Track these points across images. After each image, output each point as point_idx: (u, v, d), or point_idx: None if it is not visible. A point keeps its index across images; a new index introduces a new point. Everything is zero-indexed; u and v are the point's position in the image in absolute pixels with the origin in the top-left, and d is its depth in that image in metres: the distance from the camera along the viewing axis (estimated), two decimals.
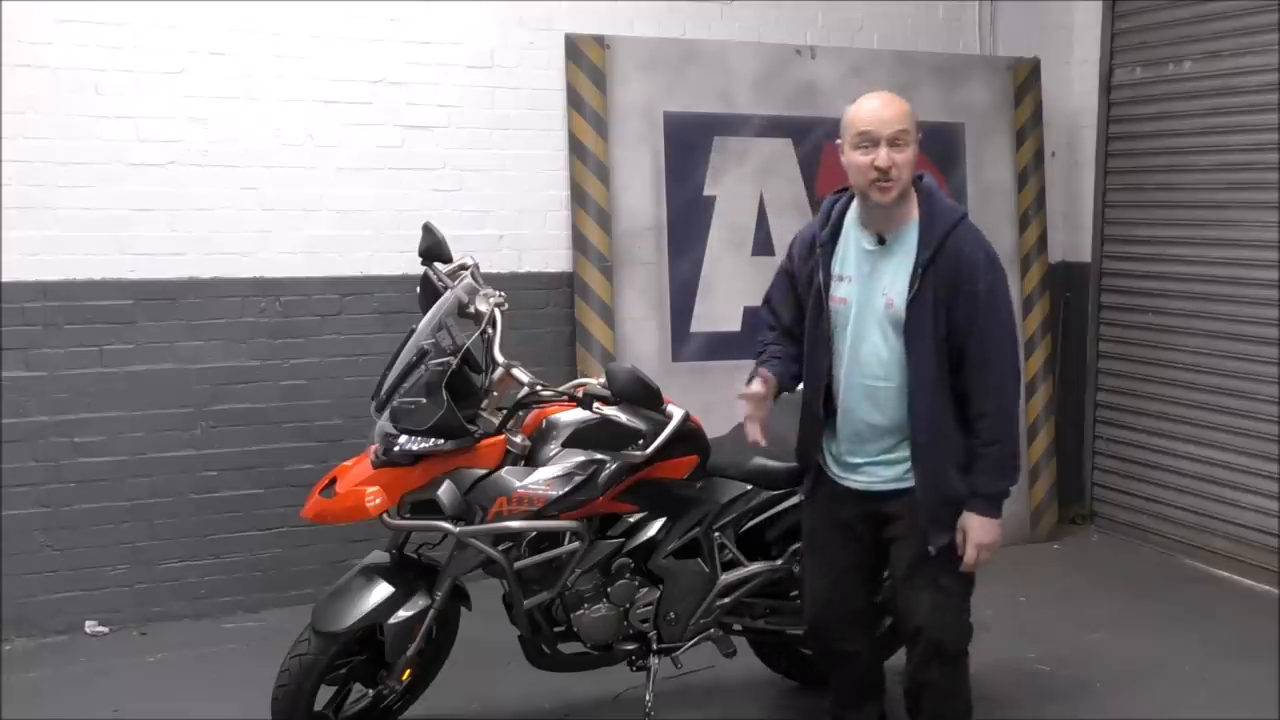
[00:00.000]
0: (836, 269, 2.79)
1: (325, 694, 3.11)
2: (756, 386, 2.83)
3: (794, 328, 2.96)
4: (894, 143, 2.60)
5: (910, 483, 2.79)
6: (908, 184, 2.66)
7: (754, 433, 2.87)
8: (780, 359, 2.94)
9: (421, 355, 2.99)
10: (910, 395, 2.71)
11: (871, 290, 2.72)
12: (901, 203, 2.67)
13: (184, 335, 4.25)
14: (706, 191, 4.82)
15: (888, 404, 2.75)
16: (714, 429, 3.32)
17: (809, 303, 2.85)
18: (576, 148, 4.67)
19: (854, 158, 2.65)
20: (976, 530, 2.73)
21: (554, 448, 3.06)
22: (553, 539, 3.10)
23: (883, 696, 3.20)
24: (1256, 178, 4.70)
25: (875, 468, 2.84)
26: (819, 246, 2.81)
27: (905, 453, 2.79)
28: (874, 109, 2.64)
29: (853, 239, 2.78)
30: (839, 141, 2.73)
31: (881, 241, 2.72)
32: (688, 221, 4.80)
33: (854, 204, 2.81)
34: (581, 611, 3.15)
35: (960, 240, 2.65)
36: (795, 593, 3.34)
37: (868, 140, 2.61)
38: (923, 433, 2.73)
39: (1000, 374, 2.70)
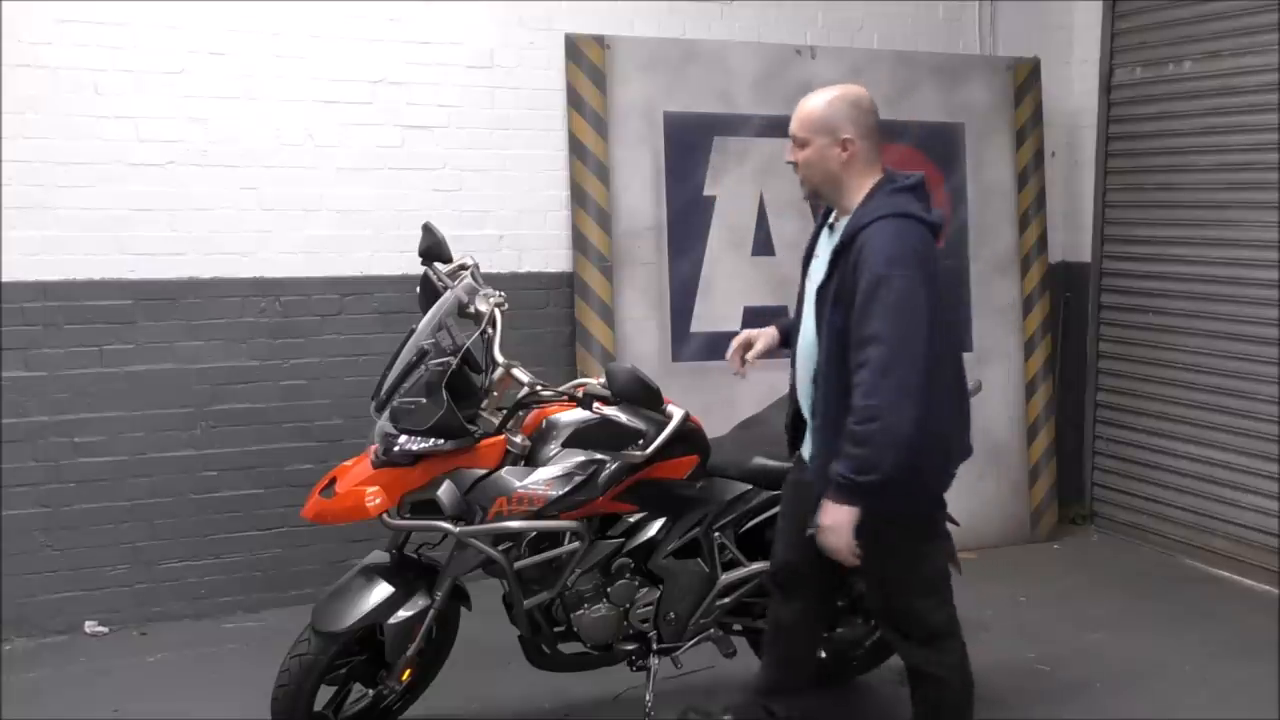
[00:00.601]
0: (816, 249, 2.89)
1: (325, 694, 3.11)
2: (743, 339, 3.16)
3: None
4: (794, 141, 2.78)
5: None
6: (815, 185, 2.77)
7: (734, 360, 3.16)
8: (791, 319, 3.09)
9: (421, 355, 2.99)
10: (816, 374, 2.75)
11: (820, 267, 2.81)
12: (845, 193, 2.73)
13: (184, 335, 4.25)
14: (706, 191, 4.82)
15: (808, 378, 2.82)
16: (714, 429, 3.32)
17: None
18: (576, 148, 4.67)
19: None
20: (822, 512, 2.62)
21: (554, 448, 3.06)
22: (553, 539, 3.10)
23: (809, 695, 3.17)
24: (1256, 178, 4.70)
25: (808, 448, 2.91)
26: (819, 222, 2.95)
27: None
28: (798, 105, 2.82)
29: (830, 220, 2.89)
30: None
31: (831, 228, 2.84)
32: (688, 221, 4.80)
33: None
34: (581, 611, 3.16)
35: (870, 236, 2.59)
36: None
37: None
38: (817, 415, 2.77)
39: (875, 354, 2.52)
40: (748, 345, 3.16)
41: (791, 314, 3.06)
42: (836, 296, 2.63)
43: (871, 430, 2.50)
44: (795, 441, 3.00)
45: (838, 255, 2.64)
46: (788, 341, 3.05)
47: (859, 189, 2.71)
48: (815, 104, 2.76)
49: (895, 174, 2.75)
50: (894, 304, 2.50)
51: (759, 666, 3.22)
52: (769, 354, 3.17)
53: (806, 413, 2.85)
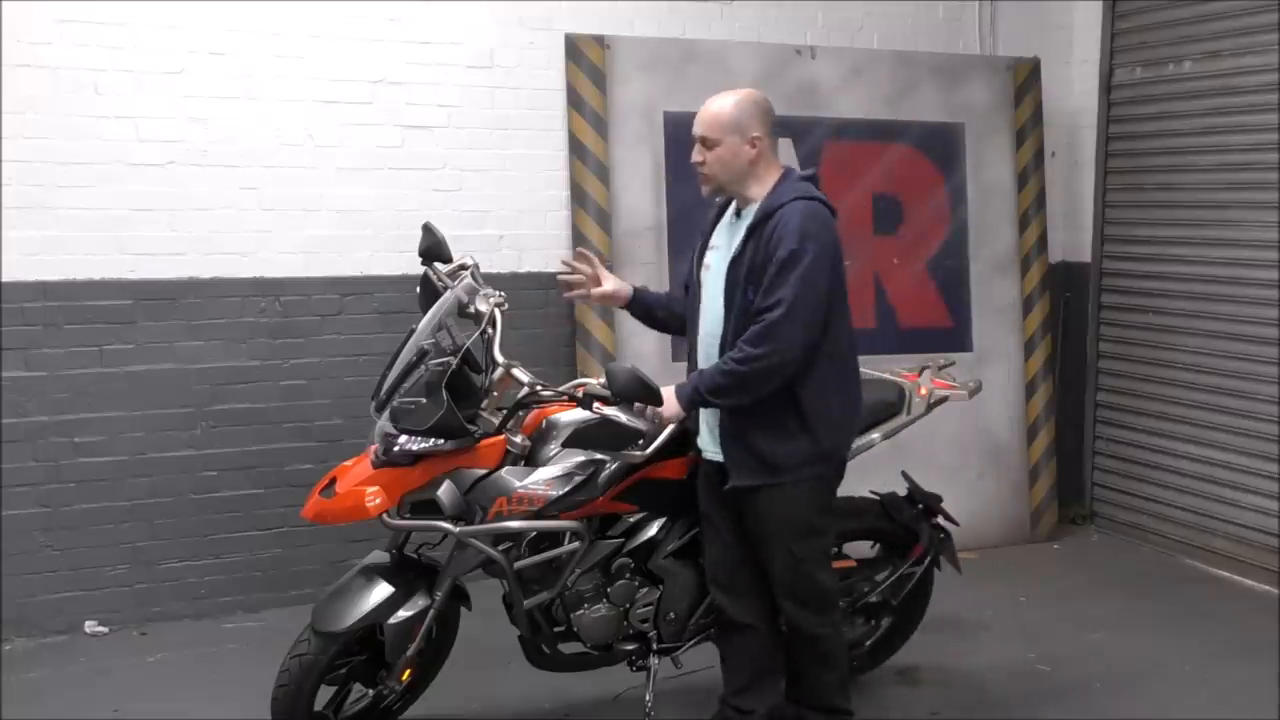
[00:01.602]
0: (711, 240, 3.09)
1: (325, 694, 3.11)
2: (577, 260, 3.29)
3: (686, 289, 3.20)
4: (703, 143, 2.94)
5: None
6: (722, 181, 2.95)
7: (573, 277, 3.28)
8: (655, 293, 3.34)
9: (421, 355, 2.99)
10: (724, 349, 2.91)
11: (721, 256, 2.98)
12: (752, 185, 2.94)
13: (184, 335, 4.25)
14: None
15: (714, 358, 2.93)
16: None
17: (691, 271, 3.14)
18: (576, 148, 4.67)
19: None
20: (665, 404, 2.88)
21: (554, 448, 3.06)
22: (553, 539, 3.10)
23: (777, 688, 3.23)
24: (1256, 178, 4.70)
25: (709, 433, 3.02)
26: (711, 219, 3.14)
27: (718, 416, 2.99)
28: (701, 110, 2.97)
29: (730, 213, 3.07)
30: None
31: (739, 214, 3.01)
32: (688, 221, 4.78)
33: None
34: (581, 611, 3.15)
35: (785, 215, 2.84)
36: None
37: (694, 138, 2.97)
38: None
39: (772, 315, 2.78)
40: (595, 279, 3.27)
41: (666, 301, 3.30)
42: (748, 273, 2.85)
43: (740, 374, 2.80)
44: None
45: (750, 234, 2.87)
46: (632, 307, 3.30)
47: (766, 180, 2.95)
48: (723, 106, 2.93)
49: (792, 169, 3.02)
50: (800, 275, 2.77)
51: (722, 670, 3.26)
52: (607, 303, 3.42)
53: None
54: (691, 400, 2.89)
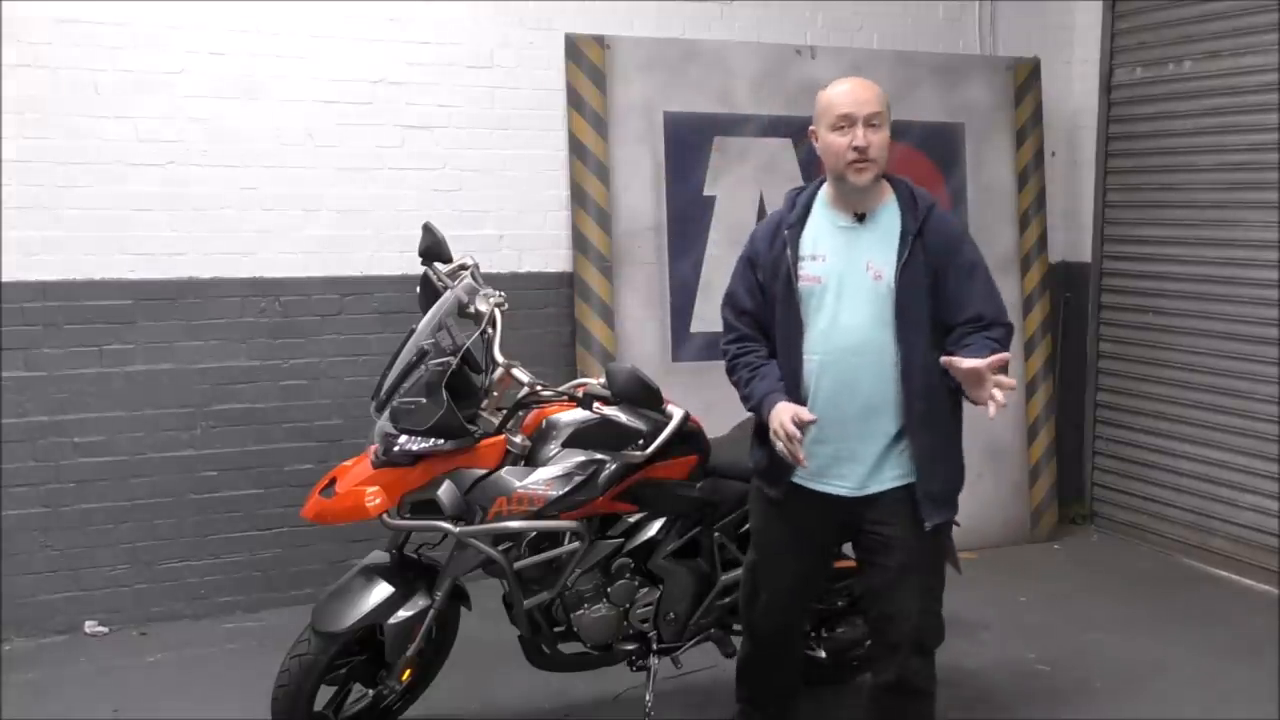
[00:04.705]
0: (807, 249, 2.73)
1: (325, 694, 3.11)
2: (809, 416, 2.64)
3: (759, 314, 2.84)
4: (870, 123, 2.62)
5: (892, 484, 2.72)
6: (884, 166, 2.68)
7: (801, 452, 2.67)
8: (775, 375, 2.78)
9: (421, 355, 2.99)
10: (902, 367, 2.66)
11: (852, 264, 2.68)
12: (876, 185, 2.70)
13: (183, 335, 4.25)
14: (706, 191, 4.82)
15: (871, 378, 2.67)
16: (714, 429, 3.32)
17: (778, 288, 2.76)
18: (576, 148, 4.67)
19: (832, 139, 2.66)
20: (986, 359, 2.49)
21: (554, 448, 3.06)
22: (553, 539, 3.10)
23: (799, 693, 3.19)
24: (1256, 178, 4.70)
25: (860, 465, 2.71)
26: (786, 229, 2.77)
27: (883, 443, 2.69)
28: (850, 91, 2.66)
29: (823, 219, 2.76)
30: (813, 128, 2.75)
31: (860, 218, 2.72)
32: (688, 221, 4.80)
33: (822, 190, 2.80)
34: (581, 611, 3.16)
35: (942, 217, 2.72)
36: None
37: (846, 121, 2.63)
38: (919, 399, 2.66)
39: (997, 316, 2.70)
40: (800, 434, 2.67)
41: (754, 309, 2.84)
42: (925, 274, 2.63)
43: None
44: (775, 459, 2.75)
45: (915, 236, 2.64)
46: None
47: (883, 180, 2.74)
48: (876, 85, 2.68)
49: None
50: (989, 282, 2.73)
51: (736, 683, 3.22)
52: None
53: (838, 405, 2.68)
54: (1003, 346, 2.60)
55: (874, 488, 2.73)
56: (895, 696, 2.83)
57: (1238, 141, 4.78)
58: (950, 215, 2.79)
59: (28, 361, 4.07)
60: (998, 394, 2.43)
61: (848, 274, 2.69)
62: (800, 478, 2.78)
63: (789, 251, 2.73)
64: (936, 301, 2.66)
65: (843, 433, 2.71)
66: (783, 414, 2.63)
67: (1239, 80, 4.76)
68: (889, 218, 2.70)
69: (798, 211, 2.79)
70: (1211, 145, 4.90)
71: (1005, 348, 2.59)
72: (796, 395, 2.72)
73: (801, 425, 2.60)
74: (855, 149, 2.61)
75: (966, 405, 2.69)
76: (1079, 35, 5.49)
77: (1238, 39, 4.75)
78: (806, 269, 2.71)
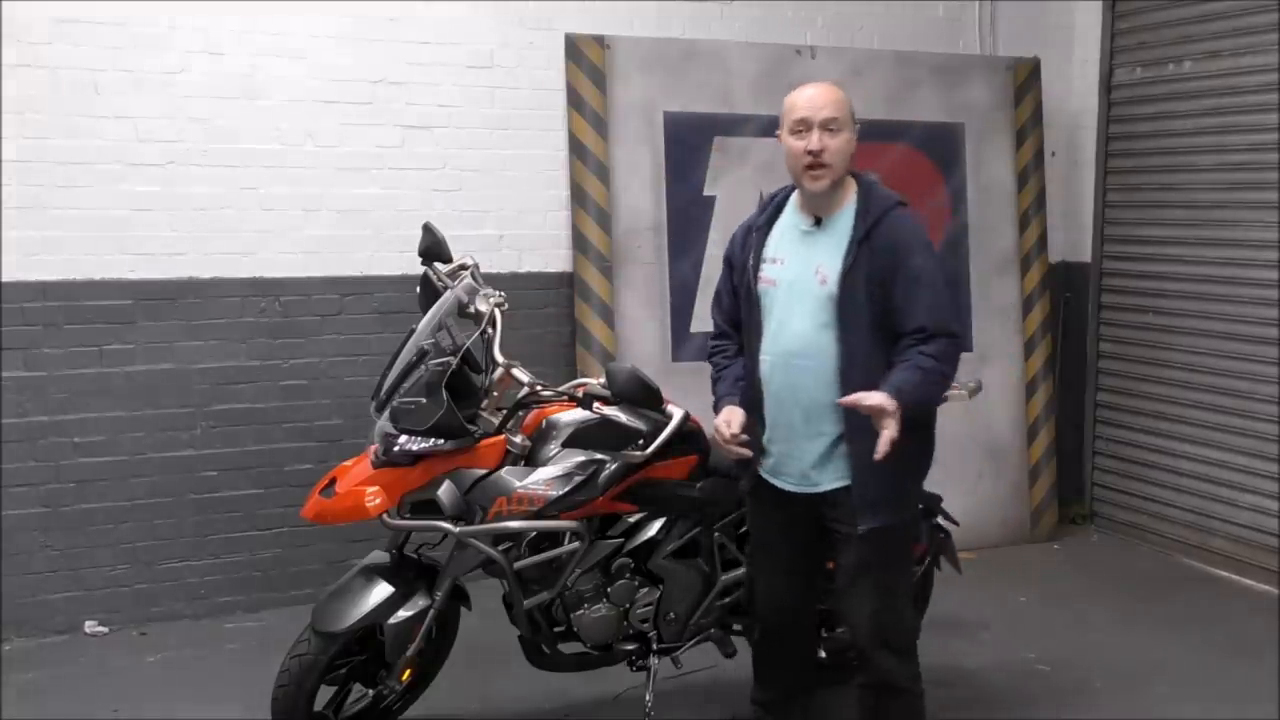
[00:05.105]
0: (769, 252, 2.81)
1: (325, 694, 3.11)
2: (737, 426, 2.79)
3: (734, 313, 2.96)
4: (826, 128, 2.66)
5: (836, 484, 2.77)
6: (841, 172, 2.71)
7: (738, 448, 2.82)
8: (733, 378, 2.92)
9: (421, 355, 2.99)
10: (842, 371, 2.68)
11: (804, 269, 2.74)
12: (839, 189, 2.73)
13: (184, 335, 4.25)
14: (706, 191, 4.83)
15: (813, 382, 2.71)
16: (714, 429, 3.32)
17: (743, 289, 2.86)
18: (576, 148, 4.67)
19: (789, 142, 2.71)
20: (878, 398, 2.52)
21: (554, 448, 3.06)
22: (553, 539, 3.10)
23: (812, 692, 3.21)
24: (1256, 178, 4.70)
25: (804, 463, 2.79)
26: (754, 231, 2.86)
27: (825, 444, 2.74)
28: (809, 96, 2.70)
29: (789, 223, 2.83)
30: (778, 130, 2.78)
31: (818, 223, 2.76)
32: (688, 221, 4.80)
33: (795, 194, 2.85)
34: (581, 611, 3.15)
35: (896, 222, 2.69)
36: None
37: (803, 125, 2.68)
38: (847, 417, 2.70)
39: (939, 327, 2.65)
40: (739, 433, 2.81)
41: (730, 309, 2.95)
42: (869, 280, 2.64)
43: (943, 370, 2.64)
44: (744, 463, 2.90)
45: (861, 242, 2.65)
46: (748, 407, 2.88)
47: (849, 182, 2.76)
48: (839, 90, 2.71)
49: (866, 171, 2.84)
50: (948, 291, 2.70)
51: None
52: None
53: (784, 409, 2.77)
54: (902, 400, 2.55)
55: (825, 486, 2.79)
56: (876, 696, 2.89)
57: (1238, 141, 4.78)
58: (912, 220, 2.74)
59: (28, 361, 4.07)
60: (883, 437, 2.49)
61: (799, 278, 2.75)
62: (764, 472, 2.89)
63: (753, 254, 2.82)
64: (885, 309, 2.67)
65: (789, 433, 2.80)
66: (719, 420, 2.82)
67: (1239, 80, 4.76)
68: (844, 222, 2.73)
69: (767, 214, 2.87)
70: (1211, 145, 4.90)
71: (944, 363, 2.64)
72: (756, 394, 2.84)
73: (734, 434, 2.76)
74: (809, 153, 2.65)
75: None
76: (1079, 35, 5.49)
77: (1238, 39, 4.75)
78: (765, 271, 2.80)
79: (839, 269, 2.67)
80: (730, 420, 2.79)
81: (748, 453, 2.80)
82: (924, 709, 2.92)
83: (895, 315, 2.67)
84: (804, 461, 2.79)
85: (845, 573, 2.85)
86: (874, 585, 2.80)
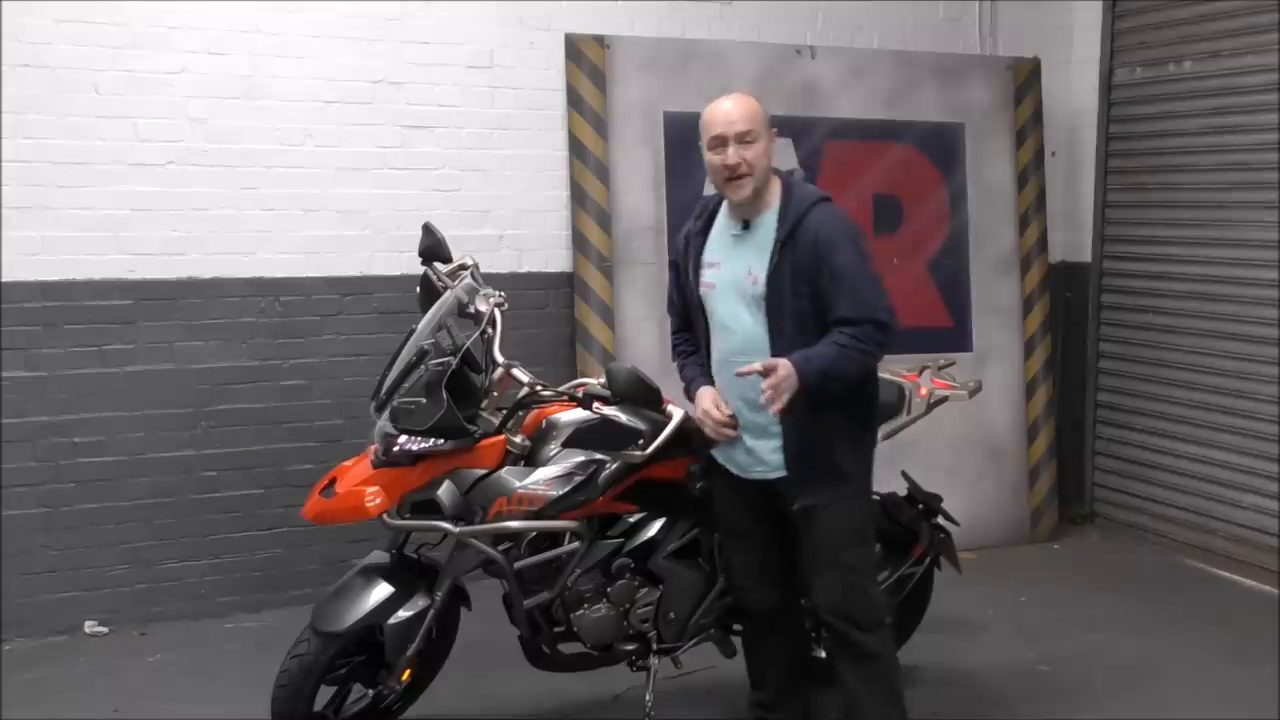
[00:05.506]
0: (707, 257, 2.93)
1: (325, 694, 3.11)
2: (728, 408, 2.90)
3: (685, 310, 3.08)
4: (742, 140, 2.75)
5: (779, 472, 2.89)
6: (763, 178, 2.80)
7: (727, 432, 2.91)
8: (698, 364, 3.04)
9: (421, 355, 2.99)
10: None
11: (737, 271, 2.85)
12: (763, 192, 2.82)
13: (184, 335, 4.25)
14: (706, 191, 4.78)
15: (751, 378, 2.75)
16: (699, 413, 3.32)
17: (689, 293, 3.00)
18: (576, 148, 4.67)
19: (709, 158, 2.83)
20: (782, 367, 2.64)
21: (554, 448, 3.06)
22: (553, 539, 3.10)
23: (809, 689, 3.23)
24: (1256, 178, 4.70)
25: (757, 452, 2.89)
26: (692, 237, 2.98)
27: (763, 435, 2.86)
28: (724, 110, 2.80)
29: (722, 227, 2.94)
30: (700, 143, 2.87)
31: (746, 226, 2.86)
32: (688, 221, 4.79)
33: (726, 199, 2.94)
34: (581, 611, 3.15)
35: (818, 219, 2.77)
36: None
37: (719, 141, 2.79)
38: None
39: (862, 316, 2.72)
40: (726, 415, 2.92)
41: (683, 308, 3.06)
42: (794, 278, 2.73)
43: (858, 359, 2.72)
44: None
45: (784, 242, 2.75)
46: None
47: (773, 183, 2.85)
48: (752, 100, 2.82)
49: (794, 169, 2.98)
50: (875, 284, 2.76)
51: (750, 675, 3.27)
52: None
53: (745, 412, 2.87)
54: (807, 375, 2.65)
55: (772, 475, 2.90)
56: (847, 663, 2.96)
57: (1238, 141, 4.78)
58: (836, 215, 2.81)
59: (28, 361, 4.07)
60: (766, 391, 2.61)
61: (734, 280, 2.85)
62: (721, 458, 3.00)
63: (693, 259, 2.95)
64: (816, 304, 2.76)
65: (745, 432, 2.91)
66: (703, 400, 2.92)
67: (1239, 80, 4.76)
68: (769, 224, 2.82)
69: (702, 220, 2.98)
70: (1211, 145, 4.90)
71: (863, 342, 2.71)
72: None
73: (727, 416, 2.88)
74: (727, 166, 2.76)
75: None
76: (1079, 35, 5.49)
77: (1238, 39, 4.75)
78: (705, 275, 2.93)
79: (766, 269, 2.78)
80: (718, 403, 2.90)
81: (736, 434, 2.89)
82: (899, 672, 3.01)
83: (826, 308, 2.76)
84: (748, 453, 2.92)
85: (806, 557, 2.94)
86: (831, 566, 2.89)
